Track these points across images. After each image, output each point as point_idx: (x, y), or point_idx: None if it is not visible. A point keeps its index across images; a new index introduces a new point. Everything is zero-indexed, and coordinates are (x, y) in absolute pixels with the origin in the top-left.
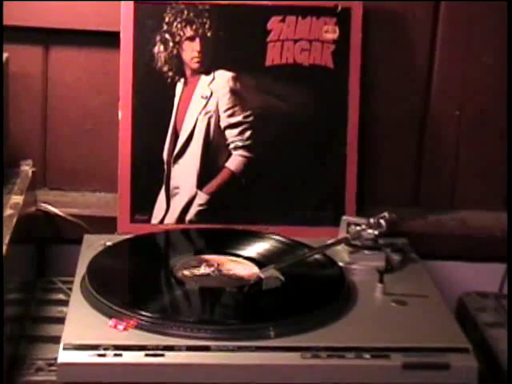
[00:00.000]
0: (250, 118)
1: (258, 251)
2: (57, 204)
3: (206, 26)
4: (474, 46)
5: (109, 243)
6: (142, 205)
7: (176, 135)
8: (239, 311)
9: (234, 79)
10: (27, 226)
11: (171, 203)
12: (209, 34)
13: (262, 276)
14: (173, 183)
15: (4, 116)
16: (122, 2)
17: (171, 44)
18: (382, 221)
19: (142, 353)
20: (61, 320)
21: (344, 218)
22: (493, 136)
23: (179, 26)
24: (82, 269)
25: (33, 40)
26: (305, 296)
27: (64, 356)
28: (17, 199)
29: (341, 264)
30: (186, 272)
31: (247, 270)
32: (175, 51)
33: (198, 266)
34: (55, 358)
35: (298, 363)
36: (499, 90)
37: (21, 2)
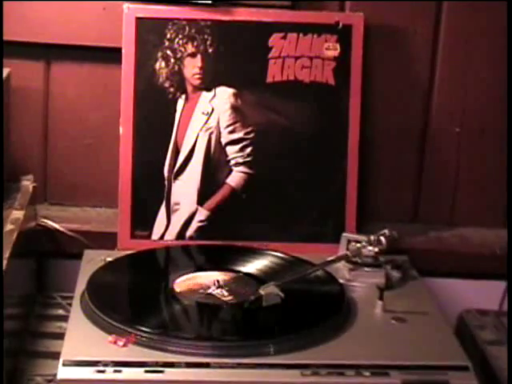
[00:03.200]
0: (251, 135)
1: (258, 267)
2: (57, 219)
3: (208, 43)
4: (475, 62)
5: (109, 259)
6: (142, 220)
7: (177, 151)
8: (239, 328)
9: (235, 96)
10: (27, 240)
11: (172, 219)
12: (210, 51)
13: (262, 292)
14: (173, 199)
15: (5, 131)
16: (124, 17)
17: (172, 60)
18: (382, 238)
19: (142, 369)
20: (60, 336)
21: (344, 234)
22: (493, 152)
23: (181, 42)
24: (81, 284)
25: (34, 55)
26: (305, 313)
27: (63, 372)
28: (17, 214)
29: (341, 281)
30: (186, 288)
31: (247, 287)
32: (176, 67)
33: (199, 283)
34: (54, 374)
35: (297, 380)
36: (500, 105)
37: (22, 17)
